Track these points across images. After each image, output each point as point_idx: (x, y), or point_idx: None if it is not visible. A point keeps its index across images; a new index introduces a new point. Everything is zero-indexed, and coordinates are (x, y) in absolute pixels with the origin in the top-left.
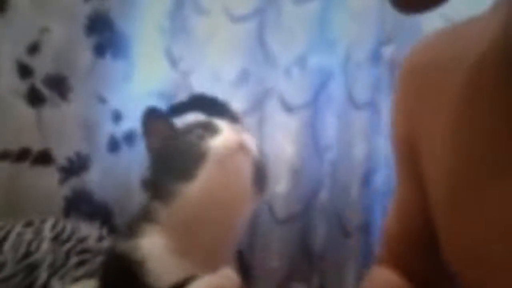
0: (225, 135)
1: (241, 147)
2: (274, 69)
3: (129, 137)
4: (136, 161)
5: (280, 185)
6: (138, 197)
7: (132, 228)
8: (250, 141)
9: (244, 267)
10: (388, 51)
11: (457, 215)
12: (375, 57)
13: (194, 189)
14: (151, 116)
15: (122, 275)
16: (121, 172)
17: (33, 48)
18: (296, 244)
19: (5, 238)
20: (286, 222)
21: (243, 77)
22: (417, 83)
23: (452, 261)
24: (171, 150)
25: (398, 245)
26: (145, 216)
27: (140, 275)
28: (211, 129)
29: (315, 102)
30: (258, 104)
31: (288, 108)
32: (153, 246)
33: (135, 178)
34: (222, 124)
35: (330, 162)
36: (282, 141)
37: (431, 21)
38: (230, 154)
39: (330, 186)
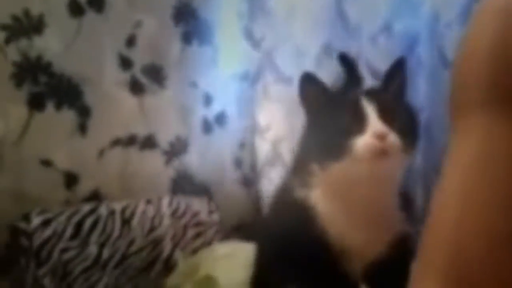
0: (368, 141)
1: (383, 155)
2: (357, 39)
3: (220, 119)
4: (227, 141)
5: None
6: (232, 175)
7: (302, 179)
8: (394, 143)
9: None
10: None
11: None
12: (465, 15)
13: (340, 170)
14: (306, 80)
15: (298, 216)
16: (215, 152)
17: (130, 41)
18: None
19: (132, 215)
20: None
21: (327, 50)
22: None
23: None
24: (327, 125)
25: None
26: (310, 171)
27: (313, 217)
28: (359, 120)
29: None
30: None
31: (377, 75)
32: (320, 197)
33: (228, 157)
34: (370, 116)
35: (423, 123)
36: None
37: None
38: (370, 160)
39: (424, 147)
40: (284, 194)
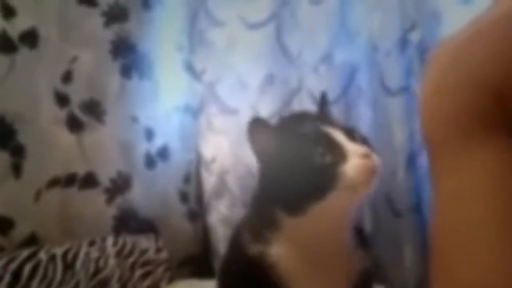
0: (358, 163)
1: (373, 173)
2: (298, 69)
3: (163, 153)
4: (172, 175)
5: None
6: (178, 209)
7: (257, 235)
8: (378, 162)
9: None
10: (415, 36)
11: None
12: (403, 44)
13: (323, 208)
14: (256, 125)
15: (253, 276)
16: (159, 187)
17: (67, 77)
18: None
19: (74, 258)
20: None
21: (269, 81)
22: None
23: None
24: (295, 167)
25: None
26: (269, 224)
27: (272, 277)
28: (333, 148)
29: (346, 95)
30: (287, 104)
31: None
32: (282, 254)
33: (173, 191)
34: (346, 144)
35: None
36: None
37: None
38: (365, 183)
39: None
40: (236, 251)
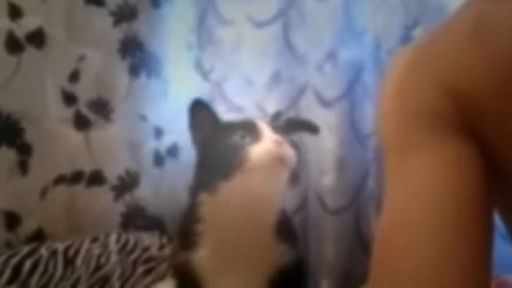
0: (266, 146)
1: (280, 161)
2: (305, 67)
3: (172, 151)
4: (181, 172)
5: (327, 177)
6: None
7: (184, 237)
8: (289, 153)
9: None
10: (417, 33)
11: None
12: (406, 41)
13: (229, 188)
14: (197, 106)
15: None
16: (168, 185)
17: (74, 76)
18: (351, 233)
19: (76, 254)
20: (338, 212)
21: (275, 79)
22: None
23: None
24: (216, 146)
25: None
26: (196, 206)
27: (196, 281)
28: (254, 133)
29: (350, 94)
30: (293, 102)
31: (325, 102)
32: (205, 254)
33: (182, 189)
34: (265, 129)
35: (373, 149)
36: (323, 135)
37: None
38: (268, 166)
39: (376, 173)
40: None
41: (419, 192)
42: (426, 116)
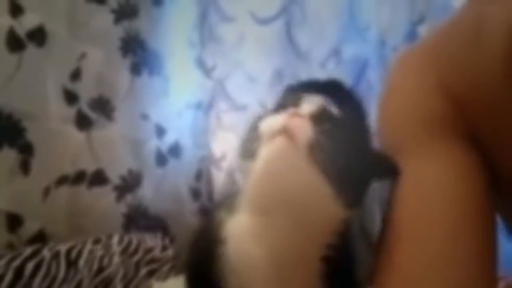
0: (271, 118)
1: (283, 131)
2: (308, 64)
3: (174, 150)
4: (183, 172)
5: None
6: (189, 207)
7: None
8: (299, 125)
9: None
10: (423, 30)
11: None
12: (411, 37)
13: (254, 168)
14: None
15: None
16: (171, 185)
17: (75, 74)
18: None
19: (78, 256)
20: None
21: (278, 76)
22: None
23: None
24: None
25: None
26: (236, 192)
27: (219, 255)
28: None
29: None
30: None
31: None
32: (239, 225)
33: (184, 188)
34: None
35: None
36: None
37: None
38: (270, 137)
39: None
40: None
41: (430, 192)
42: (429, 120)
